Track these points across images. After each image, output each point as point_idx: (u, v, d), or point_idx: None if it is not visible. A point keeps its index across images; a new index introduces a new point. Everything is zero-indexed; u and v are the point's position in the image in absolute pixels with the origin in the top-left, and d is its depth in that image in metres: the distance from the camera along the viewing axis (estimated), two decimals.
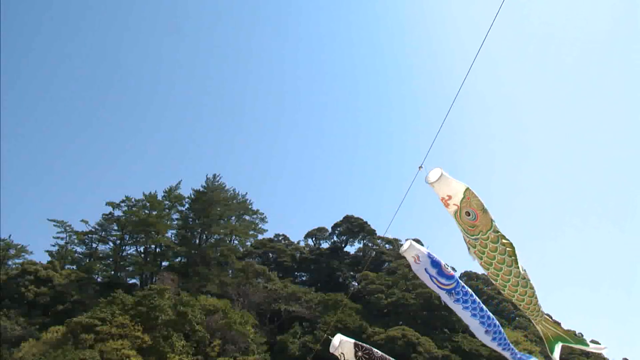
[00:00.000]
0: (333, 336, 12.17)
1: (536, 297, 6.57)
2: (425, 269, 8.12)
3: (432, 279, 7.94)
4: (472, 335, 61.81)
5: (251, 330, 64.12)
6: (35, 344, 53.61)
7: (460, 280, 8.38)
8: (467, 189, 5.92)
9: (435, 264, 8.37)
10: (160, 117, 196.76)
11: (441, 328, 74.92)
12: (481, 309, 7.61)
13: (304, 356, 60.35)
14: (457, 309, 7.61)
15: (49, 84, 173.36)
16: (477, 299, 8.00)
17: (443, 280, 8.02)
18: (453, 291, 7.76)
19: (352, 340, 11.43)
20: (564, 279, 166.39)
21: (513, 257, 6.22)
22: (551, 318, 7.09)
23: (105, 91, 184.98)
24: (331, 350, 11.23)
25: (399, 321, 74.96)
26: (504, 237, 6.10)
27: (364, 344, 11.46)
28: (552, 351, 7.00)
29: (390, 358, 11.37)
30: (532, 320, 6.98)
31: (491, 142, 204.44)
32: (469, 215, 5.98)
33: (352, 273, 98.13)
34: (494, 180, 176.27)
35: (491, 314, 8.15)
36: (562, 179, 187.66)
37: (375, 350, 11.51)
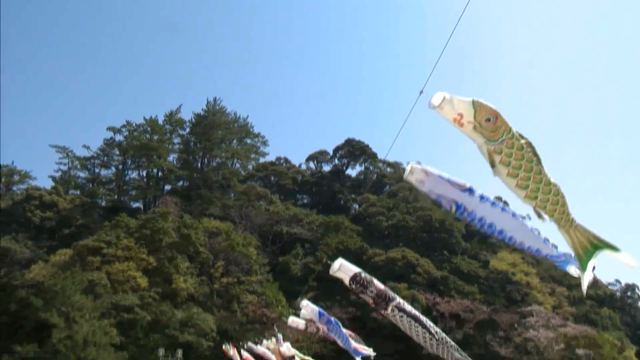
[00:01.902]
0: (334, 258, 12.27)
1: (567, 203, 6.23)
2: (439, 176, 7.64)
3: (450, 183, 7.41)
4: (472, 257, 62.61)
5: (254, 252, 65.41)
6: (44, 267, 55.07)
7: None
8: (474, 100, 5.67)
9: (441, 175, 7.92)
10: (159, 40, 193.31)
11: (440, 250, 76.38)
12: (503, 207, 7.10)
13: (305, 277, 61.76)
14: (486, 207, 7.06)
15: (51, 11, 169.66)
16: None
17: (460, 181, 7.55)
18: (473, 190, 7.27)
19: (353, 271, 11.38)
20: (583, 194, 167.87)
21: (537, 156, 5.81)
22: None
23: (105, 15, 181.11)
24: (331, 273, 11.35)
25: (399, 243, 76.32)
26: (522, 135, 5.85)
27: (365, 276, 11.32)
28: (584, 269, 6.56)
29: (392, 295, 11.20)
30: (561, 230, 6.47)
31: (500, 61, 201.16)
32: (490, 120, 5.72)
33: (353, 196, 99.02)
34: (503, 100, 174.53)
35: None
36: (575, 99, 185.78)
37: (376, 282, 11.31)
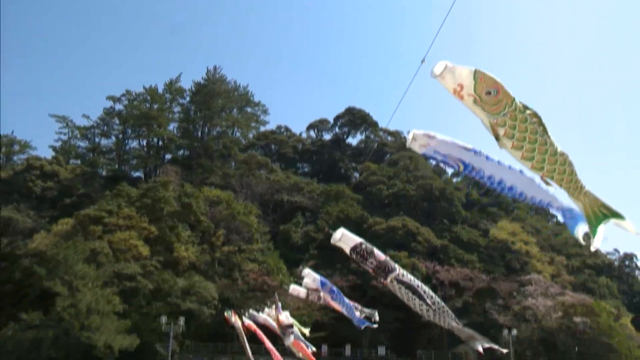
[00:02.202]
0: (334, 227, 12.37)
1: (575, 170, 6.18)
2: (443, 139, 7.61)
3: (454, 143, 7.38)
4: (472, 226, 62.90)
5: (254, 221, 65.70)
6: (46, 236, 55.42)
7: None
8: (476, 71, 5.56)
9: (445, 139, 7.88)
10: (159, 8, 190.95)
11: (441, 219, 76.67)
12: (511, 165, 7.06)
13: (306, 245, 62.19)
14: (493, 165, 7.04)
15: None
16: None
17: (463, 143, 7.53)
18: (477, 150, 7.24)
19: (354, 241, 11.43)
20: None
21: (542, 127, 5.74)
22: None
23: None
24: (332, 242, 11.42)
25: (400, 212, 76.52)
26: (527, 106, 5.67)
27: (366, 247, 11.37)
28: (594, 234, 6.56)
29: (392, 266, 11.26)
30: (572, 197, 6.47)
31: (505, 29, 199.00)
32: (490, 93, 5.64)
33: (353, 164, 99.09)
34: (507, 68, 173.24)
35: None
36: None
37: (377, 253, 11.36)
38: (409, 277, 11.21)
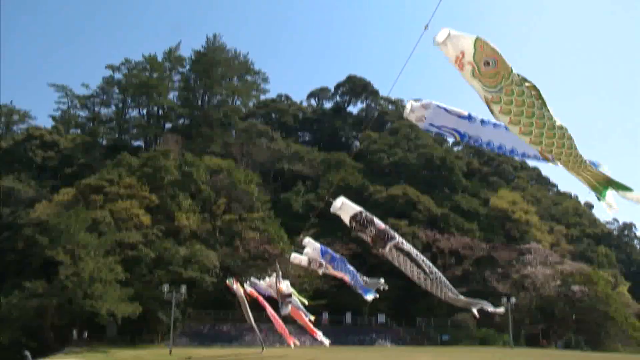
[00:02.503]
0: (335, 195, 12.37)
1: (575, 144, 6.09)
2: (437, 106, 7.62)
3: (447, 112, 7.38)
4: (473, 195, 62.86)
5: (255, 189, 65.81)
6: (48, 205, 55.62)
7: None
8: (477, 39, 5.48)
9: (439, 104, 7.88)
10: None
11: (441, 187, 76.75)
12: (507, 127, 6.96)
13: (307, 213, 62.28)
14: (489, 130, 7.05)
15: None
16: None
17: (458, 110, 7.53)
18: (472, 116, 7.25)
19: (354, 210, 11.48)
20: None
21: (541, 100, 5.66)
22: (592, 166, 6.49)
23: None
24: (332, 210, 11.48)
25: (400, 180, 76.59)
26: (525, 79, 5.58)
27: (365, 215, 11.44)
28: (603, 198, 6.51)
29: (392, 234, 11.33)
30: (572, 172, 6.41)
31: None
32: (489, 64, 5.52)
33: (354, 133, 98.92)
34: (510, 38, 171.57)
35: None
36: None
37: (377, 221, 11.42)
38: (408, 246, 11.31)
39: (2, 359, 37.28)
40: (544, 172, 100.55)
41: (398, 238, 11.31)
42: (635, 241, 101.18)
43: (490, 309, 11.31)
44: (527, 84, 5.64)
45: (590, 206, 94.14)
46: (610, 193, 6.43)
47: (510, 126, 5.87)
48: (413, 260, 11.08)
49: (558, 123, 5.86)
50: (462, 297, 11.55)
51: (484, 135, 7.38)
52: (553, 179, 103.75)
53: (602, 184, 6.42)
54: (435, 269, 11.27)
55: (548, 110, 5.76)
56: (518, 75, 5.58)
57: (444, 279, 11.36)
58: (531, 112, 5.75)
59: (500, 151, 7.62)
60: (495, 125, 7.17)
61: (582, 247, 78.35)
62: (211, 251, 54.78)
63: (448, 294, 11.29)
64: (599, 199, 6.54)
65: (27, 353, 36.02)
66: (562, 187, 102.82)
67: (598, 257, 76.59)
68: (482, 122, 7.28)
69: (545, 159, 6.49)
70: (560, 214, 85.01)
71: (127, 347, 44.78)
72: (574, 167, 6.25)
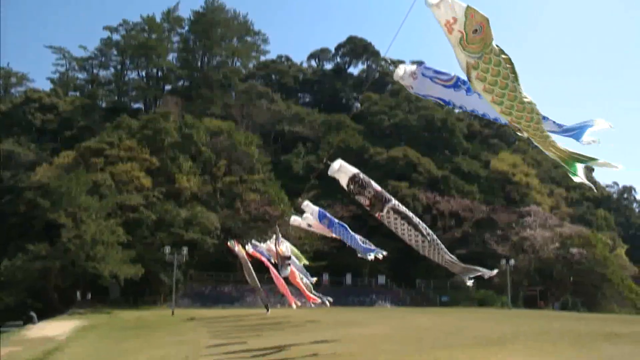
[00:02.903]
0: (335, 157, 12.35)
1: (541, 121, 6.31)
2: (423, 75, 7.70)
3: (433, 80, 7.46)
4: (473, 157, 62.81)
5: (255, 151, 65.77)
6: (48, 168, 55.67)
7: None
8: (468, 7, 5.59)
9: (428, 67, 7.98)
10: None
11: (442, 149, 76.60)
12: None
13: (307, 175, 62.31)
14: (473, 99, 7.15)
15: None
16: None
17: (444, 77, 7.61)
18: (459, 83, 7.33)
19: (352, 172, 11.50)
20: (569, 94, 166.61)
21: (514, 75, 5.85)
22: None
23: None
24: (330, 173, 11.48)
25: (401, 142, 76.39)
26: (503, 51, 5.75)
27: (363, 177, 11.48)
28: (574, 172, 6.72)
29: (389, 197, 11.39)
30: (541, 146, 6.64)
31: None
32: (477, 31, 5.65)
33: (355, 94, 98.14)
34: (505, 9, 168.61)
35: None
36: None
37: (374, 184, 11.46)
38: (404, 208, 11.36)
39: (9, 320, 37.87)
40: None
41: (394, 201, 11.38)
42: (635, 204, 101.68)
43: (486, 275, 11.42)
44: (503, 56, 5.75)
45: (590, 169, 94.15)
46: (580, 167, 6.63)
47: (484, 94, 6.05)
48: (410, 222, 11.12)
49: (527, 99, 6.00)
50: (458, 261, 11.63)
51: (469, 104, 7.54)
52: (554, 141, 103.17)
53: (569, 159, 6.54)
54: (432, 233, 11.32)
55: (519, 85, 5.89)
56: (497, 45, 5.70)
57: (439, 242, 11.43)
58: (505, 84, 5.90)
59: (484, 117, 7.78)
60: (480, 96, 7.23)
61: (582, 210, 78.68)
62: (212, 213, 55.06)
63: (445, 257, 11.37)
64: (571, 174, 6.68)
65: (33, 314, 36.62)
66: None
67: (597, 220, 76.98)
68: (468, 90, 7.37)
69: (516, 130, 6.64)
70: (560, 176, 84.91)
71: (130, 308, 45.44)
72: (540, 141, 6.46)
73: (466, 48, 5.62)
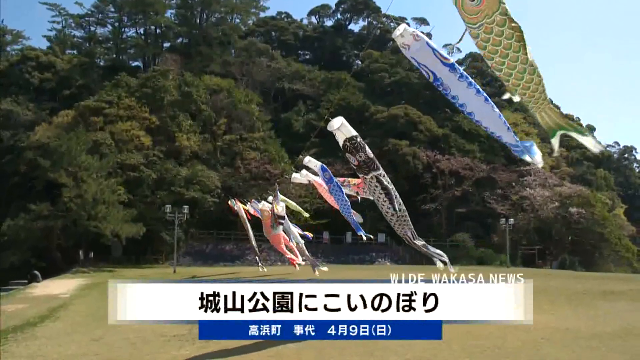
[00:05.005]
0: (336, 115, 12.39)
1: (543, 85, 6.41)
2: (427, 43, 7.69)
3: (434, 53, 7.49)
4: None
5: (256, 109, 65.49)
6: (47, 128, 55.44)
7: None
8: None
9: (429, 44, 7.97)
10: None
11: (442, 108, 76.04)
12: (478, 90, 7.31)
13: (308, 133, 62.20)
14: (462, 87, 7.20)
15: None
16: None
17: (445, 54, 7.65)
18: (455, 66, 7.38)
19: (351, 133, 11.56)
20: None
21: (521, 43, 5.89)
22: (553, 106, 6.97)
23: None
24: (329, 128, 11.50)
25: (402, 100, 75.96)
26: (512, 20, 5.75)
27: (360, 140, 11.57)
28: (552, 137, 7.01)
29: (378, 165, 11.63)
30: (533, 109, 6.84)
31: None
32: (473, 1, 5.67)
33: (355, 52, 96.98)
34: None
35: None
36: None
37: (368, 150, 11.61)
38: (387, 180, 11.72)
39: (14, 279, 38.38)
40: (548, 95, 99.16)
41: (381, 171, 11.71)
42: (635, 164, 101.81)
43: (445, 264, 12.23)
44: (512, 24, 5.76)
45: (592, 129, 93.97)
46: (558, 135, 7.02)
47: (487, 56, 6.12)
48: (388, 195, 11.71)
49: (533, 64, 6.11)
50: (420, 242, 12.32)
51: (455, 89, 7.61)
52: (556, 100, 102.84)
53: (559, 125, 6.92)
54: (404, 210, 12.01)
55: (525, 53, 5.95)
56: (503, 15, 5.71)
57: (408, 219, 12.17)
58: (505, 53, 5.97)
59: (460, 108, 7.99)
60: (469, 84, 7.40)
61: (582, 169, 78.72)
62: (212, 172, 55.16)
63: (407, 234, 11.96)
64: (550, 137, 7.18)
65: (37, 273, 37.06)
66: (565, 109, 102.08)
67: (597, 180, 77.15)
68: (461, 76, 7.43)
69: (510, 93, 6.95)
70: (561, 136, 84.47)
71: (132, 267, 45.94)
72: (538, 102, 6.65)
73: (463, 17, 5.68)
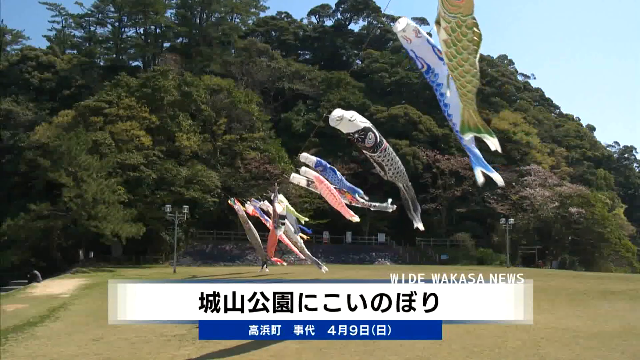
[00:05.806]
0: None
1: (475, 89, 6.86)
2: (428, 40, 7.85)
3: (433, 49, 7.67)
4: None
5: (256, 109, 65.38)
6: (48, 128, 55.42)
7: None
8: None
9: (430, 41, 8.15)
10: None
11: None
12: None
13: (307, 133, 62.16)
14: (452, 88, 7.46)
15: None
16: None
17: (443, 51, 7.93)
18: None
19: (357, 127, 11.66)
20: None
21: (476, 48, 6.23)
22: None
23: None
24: (330, 123, 11.51)
25: (402, 100, 75.97)
26: (477, 25, 6.04)
27: (365, 130, 11.70)
28: (462, 132, 7.43)
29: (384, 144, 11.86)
30: (462, 105, 7.25)
31: None
32: None
33: (355, 51, 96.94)
34: None
35: None
36: None
37: (370, 135, 11.73)
38: (390, 150, 12.13)
39: (14, 278, 38.41)
40: (547, 94, 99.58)
41: (385, 143, 12.22)
42: (635, 164, 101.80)
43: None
44: (476, 30, 6.06)
45: (592, 129, 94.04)
46: (470, 135, 7.53)
47: (442, 43, 6.40)
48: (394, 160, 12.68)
49: (474, 70, 6.49)
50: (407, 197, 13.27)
51: (445, 87, 7.81)
52: (556, 100, 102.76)
53: (474, 128, 7.28)
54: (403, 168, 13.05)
55: (475, 58, 6.34)
56: (474, 19, 5.99)
57: (404, 172, 13.17)
58: (461, 51, 6.28)
59: (443, 107, 8.46)
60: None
61: (582, 169, 78.72)
62: (212, 171, 55.14)
63: (388, 175, 12.72)
64: (460, 136, 7.71)
65: (37, 272, 37.07)
66: (565, 109, 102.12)
67: (597, 180, 77.14)
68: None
69: (447, 83, 7.39)
70: (561, 136, 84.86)
71: (132, 266, 46.01)
72: (466, 102, 7.00)
73: (444, 4, 5.88)
